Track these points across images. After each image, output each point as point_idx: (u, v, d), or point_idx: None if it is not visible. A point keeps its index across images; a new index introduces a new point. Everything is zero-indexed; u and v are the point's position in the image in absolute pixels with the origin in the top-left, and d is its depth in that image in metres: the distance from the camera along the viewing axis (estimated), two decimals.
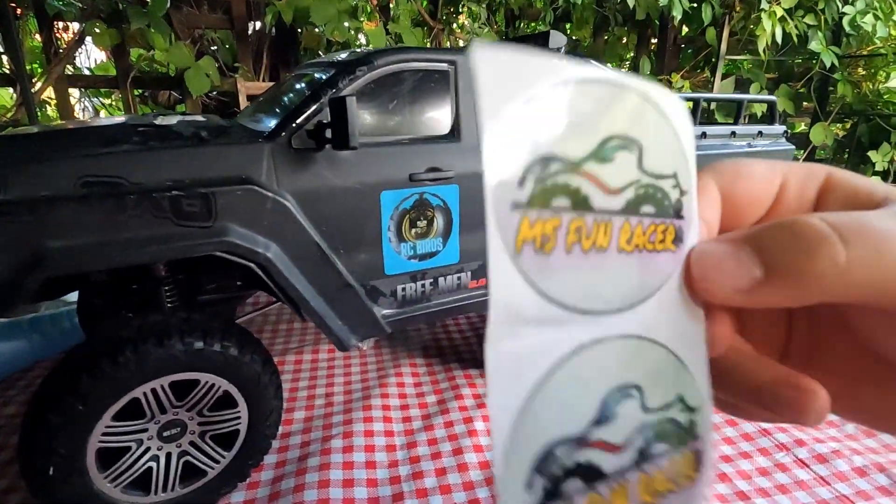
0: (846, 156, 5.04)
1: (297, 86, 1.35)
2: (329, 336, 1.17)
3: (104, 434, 0.96)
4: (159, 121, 1.25)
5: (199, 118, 1.41)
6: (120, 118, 1.59)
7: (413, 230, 1.25)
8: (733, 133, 1.73)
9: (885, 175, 4.78)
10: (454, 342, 1.95)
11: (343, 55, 1.33)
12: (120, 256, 0.89)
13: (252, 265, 1.03)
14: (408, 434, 1.42)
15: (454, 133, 1.28)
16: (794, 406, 0.18)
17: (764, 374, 0.19)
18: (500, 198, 0.15)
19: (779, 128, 1.87)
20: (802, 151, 5.05)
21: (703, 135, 1.66)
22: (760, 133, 1.81)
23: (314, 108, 1.10)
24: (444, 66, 1.26)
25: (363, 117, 1.18)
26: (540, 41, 1.45)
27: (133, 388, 0.96)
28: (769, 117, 1.91)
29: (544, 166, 0.15)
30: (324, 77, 1.20)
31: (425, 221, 1.27)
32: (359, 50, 1.36)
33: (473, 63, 0.14)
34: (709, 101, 1.92)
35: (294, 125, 1.09)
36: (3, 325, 1.66)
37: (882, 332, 0.19)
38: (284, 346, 1.89)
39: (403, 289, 1.29)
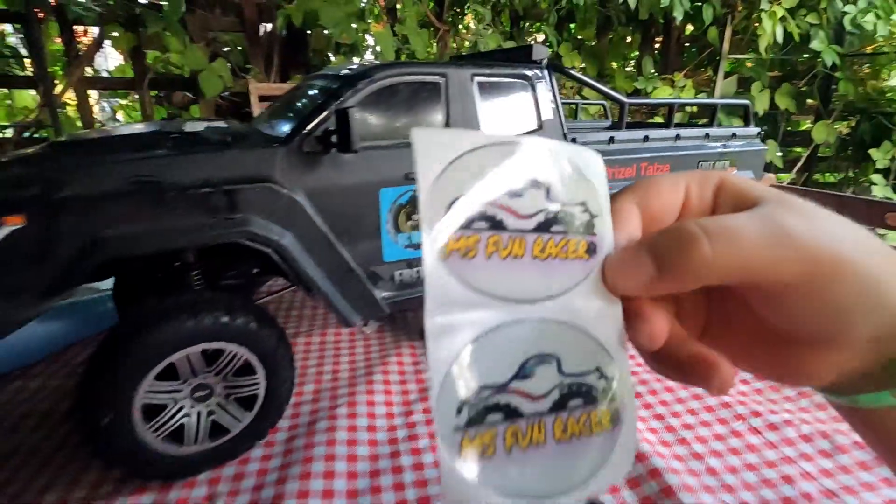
0: (849, 153, 5.02)
1: (307, 96, 1.52)
2: (335, 313, 1.35)
3: (147, 392, 1.14)
4: (188, 127, 1.43)
5: (223, 125, 1.59)
6: (151, 125, 1.76)
7: (408, 222, 1.42)
8: (707, 135, 1.88)
9: (886, 172, 4.76)
10: None
11: (346, 70, 1.50)
12: (162, 242, 1.08)
13: (269, 251, 1.21)
14: (405, 405, 1.59)
15: None
16: (704, 377, 0.23)
17: (684, 351, 0.24)
18: (432, 222, 0.21)
19: (753, 129, 2.00)
20: (805, 149, 5.06)
21: (678, 137, 1.80)
22: (734, 135, 1.95)
23: (321, 117, 1.28)
24: (436, 78, 1.42)
25: (365, 124, 1.35)
26: (523, 54, 1.61)
27: (170, 354, 1.14)
28: (744, 120, 2.04)
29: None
30: (330, 89, 1.37)
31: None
32: (363, 63, 1.52)
33: (413, 140, 0.20)
34: (681, 105, 2.05)
35: (304, 132, 1.27)
36: None
37: (760, 303, 0.23)
38: (296, 329, 2.07)
39: (400, 274, 1.46)
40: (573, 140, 1.58)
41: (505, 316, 0.22)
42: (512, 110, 1.54)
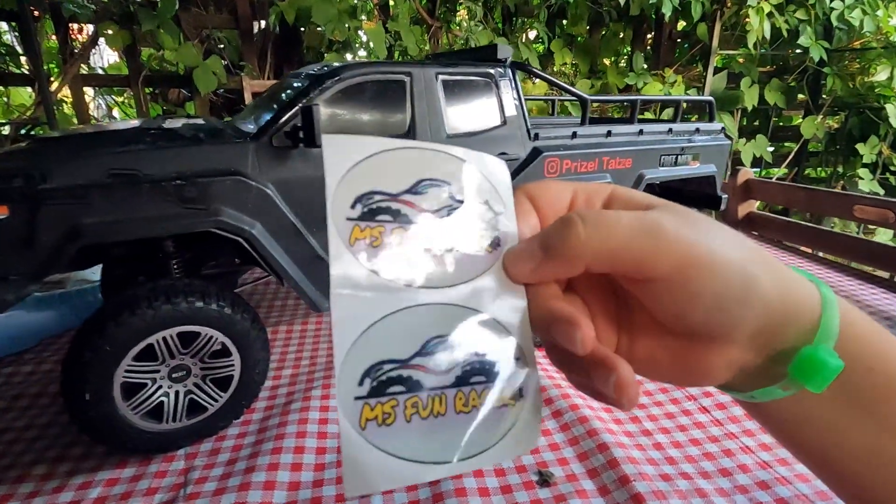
0: (838, 148, 5.06)
1: (281, 93, 1.60)
2: (304, 299, 1.43)
3: (126, 371, 1.22)
4: (167, 124, 1.51)
5: (201, 121, 1.67)
6: (135, 122, 1.85)
7: None
8: (670, 130, 1.95)
9: (873, 167, 4.80)
10: None
11: (318, 69, 1.57)
12: (137, 230, 1.16)
13: (240, 239, 1.29)
14: None
15: (410, 131, 1.52)
16: (604, 376, 0.23)
17: (590, 355, 0.24)
18: (337, 214, 0.22)
19: (716, 125, 2.08)
20: (796, 144, 5.11)
21: (640, 132, 1.88)
22: (698, 130, 2.02)
23: (290, 114, 1.36)
24: (401, 76, 1.50)
25: (332, 120, 1.43)
26: (489, 53, 1.68)
27: (148, 336, 1.22)
28: (708, 116, 2.11)
29: (369, 196, 0.23)
30: (300, 87, 1.45)
31: None
32: (347, 61, 1.60)
33: (322, 144, 0.22)
34: (645, 102, 2.12)
35: (274, 128, 1.35)
36: (39, 299, 1.95)
37: (648, 298, 0.24)
38: (278, 319, 2.16)
39: None
40: (536, 135, 1.66)
41: (409, 300, 0.23)
42: (476, 107, 1.61)
